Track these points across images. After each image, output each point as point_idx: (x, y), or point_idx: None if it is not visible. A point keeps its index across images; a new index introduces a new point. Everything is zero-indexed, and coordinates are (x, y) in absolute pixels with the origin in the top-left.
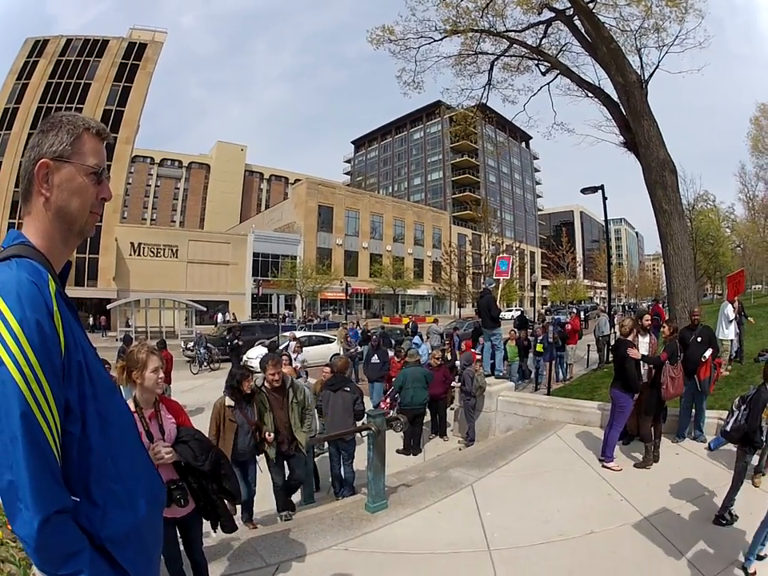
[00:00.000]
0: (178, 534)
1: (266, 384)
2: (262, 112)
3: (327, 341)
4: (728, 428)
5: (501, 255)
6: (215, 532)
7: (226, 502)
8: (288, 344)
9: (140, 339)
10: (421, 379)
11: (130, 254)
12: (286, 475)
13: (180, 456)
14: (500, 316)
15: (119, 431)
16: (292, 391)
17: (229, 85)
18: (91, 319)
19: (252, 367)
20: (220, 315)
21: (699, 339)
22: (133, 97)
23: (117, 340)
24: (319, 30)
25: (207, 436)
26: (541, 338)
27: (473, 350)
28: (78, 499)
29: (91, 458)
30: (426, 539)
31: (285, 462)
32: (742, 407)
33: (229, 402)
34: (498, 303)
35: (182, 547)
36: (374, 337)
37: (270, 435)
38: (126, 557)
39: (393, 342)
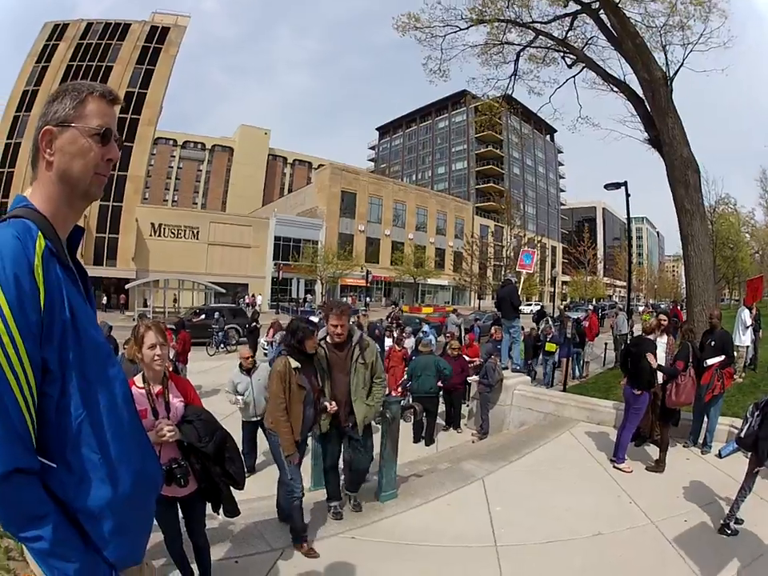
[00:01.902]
0: (180, 515)
1: (326, 339)
2: (285, 97)
3: None
4: (742, 434)
5: (525, 249)
6: (217, 515)
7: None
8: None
9: (147, 317)
10: (431, 367)
11: (150, 235)
12: (342, 456)
13: (183, 436)
14: (520, 309)
15: (108, 401)
16: (359, 349)
17: (252, 69)
18: (105, 298)
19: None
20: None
21: (713, 344)
22: (155, 79)
23: (133, 320)
24: (344, 15)
25: (273, 410)
26: (551, 336)
27: (475, 343)
28: (55, 465)
29: (69, 423)
30: (434, 531)
31: (342, 441)
32: (756, 414)
33: (294, 363)
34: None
35: (184, 529)
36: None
37: (331, 405)
38: (100, 533)
39: (380, 331)
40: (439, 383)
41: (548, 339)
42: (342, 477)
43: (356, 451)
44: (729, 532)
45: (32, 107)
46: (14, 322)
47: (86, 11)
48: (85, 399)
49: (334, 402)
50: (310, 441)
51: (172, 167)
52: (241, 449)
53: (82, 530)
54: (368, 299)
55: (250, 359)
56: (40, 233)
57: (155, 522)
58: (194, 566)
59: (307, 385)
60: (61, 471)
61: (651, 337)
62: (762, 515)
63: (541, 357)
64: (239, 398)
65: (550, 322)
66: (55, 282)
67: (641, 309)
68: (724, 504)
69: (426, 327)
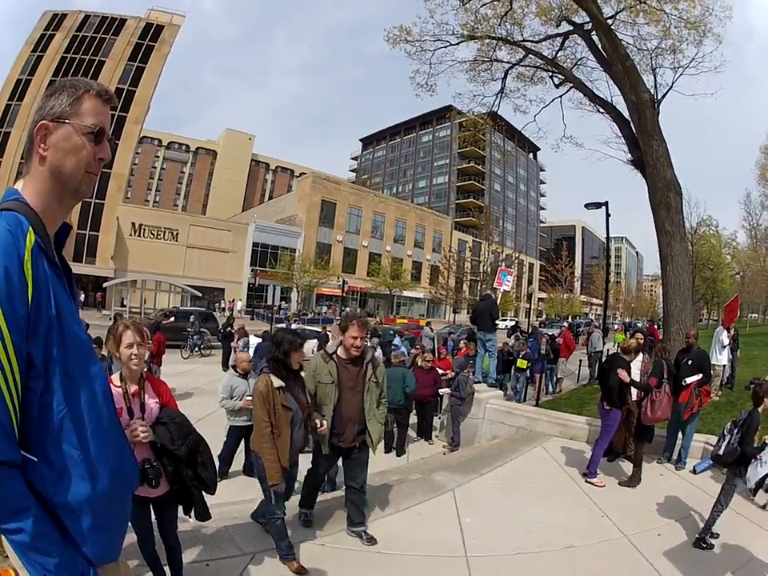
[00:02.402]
0: (153, 516)
1: (338, 352)
2: (273, 103)
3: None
4: (720, 452)
5: (503, 268)
6: (189, 517)
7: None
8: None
9: (125, 317)
10: (398, 379)
11: (131, 234)
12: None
13: (156, 437)
14: (497, 323)
15: (88, 398)
16: (371, 367)
17: (242, 73)
18: (83, 296)
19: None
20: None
21: (690, 362)
22: (146, 77)
23: (109, 318)
24: (337, 24)
25: (258, 436)
26: (523, 353)
27: (447, 356)
28: (36, 459)
29: (51, 419)
30: (405, 540)
31: (337, 459)
32: (734, 431)
33: (277, 382)
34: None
35: (156, 530)
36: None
37: (321, 424)
38: (79, 529)
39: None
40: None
41: (520, 356)
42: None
43: (355, 469)
44: (704, 546)
45: (24, 97)
46: (1, 314)
47: (87, 2)
48: (67, 395)
49: (324, 422)
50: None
51: (155, 167)
52: (219, 453)
53: (62, 525)
54: (345, 309)
55: (248, 364)
56: (31, 227)
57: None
58: (167, 569)
59: (293, 404)
60: (41, 466)
61: (629, 357)
62: (736, 529)
63: (512, 372)
64: (238, 402)
65: (521, 338)
66: (43, 278)
67: (615, 327)
68: (698, 518)
69: (396, 340)
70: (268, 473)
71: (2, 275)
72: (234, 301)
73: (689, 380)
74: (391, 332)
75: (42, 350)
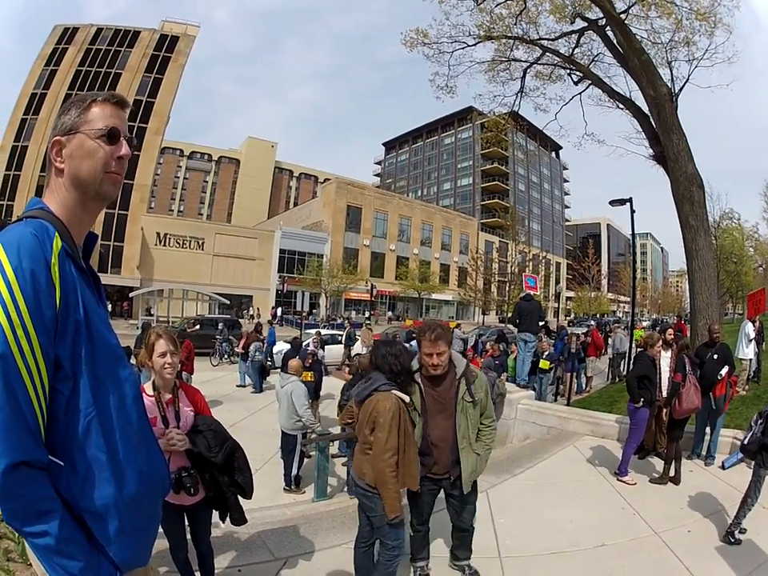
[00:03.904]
0: (186, 522)
1: (420, 371)
2: (292, 110)
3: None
4: (746, 442)
5: (526, 273)
6: (224, 523)
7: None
8: (310, 341)
9: (158, 325)
10: None
11: (156, 244)
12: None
13: (193, 445)
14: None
15: (117, 402)
16: (464, 383)
17: (260, 82)
18: (109, 305)
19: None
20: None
21: (716, 357)
22: (163, 88)
23: (137, 328)
24: (353, 30)
25: (382, 465)
26: (546, 353)
27: (476, 357)
28: (62, 463)
29: (78, 421)
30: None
31: (436, 495)
32: (759, 422)
33: (405, 396)
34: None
35: (189, 536)
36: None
37: None
38: (105, 533)
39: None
40: None
41: (543, 356)
42: (346, 487)
43: (456, 509)
44: (732, 541)
45: (39, 111)
46: (29, 315)
47: (95, 15)
48: (95, 398)
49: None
50: (314, 453)
51: (178, 177)
52: (289, 472)
53: (87, 529)
54: (371, 312)
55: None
56: (57, 233)
57: (161, 530)
58: (198, 574)
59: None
60: (67, 469)
61: (652, 351)
62: (765, 524)
63: (536, 374)
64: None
65: (544, 339)
66: (70, 282)
67: (644, 324)
68: (727, 514)
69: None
70: (390, 505)
71: (29, 278)
72: (258, 309)
73: (723, 372)
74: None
75: (70, 353)
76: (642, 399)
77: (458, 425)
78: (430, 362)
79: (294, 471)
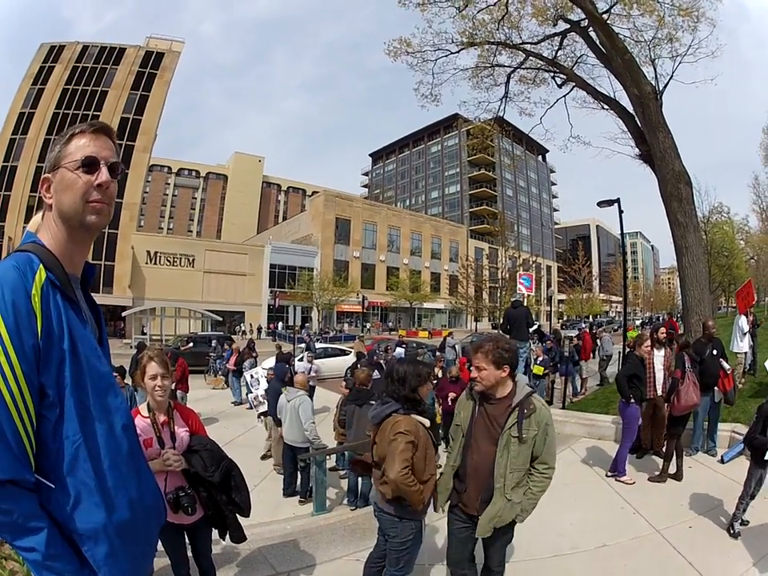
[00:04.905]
0: (187, 541)
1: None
2: (280, 123)
3: (343, 353)
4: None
5: (522, 272)
6: (224, 540)
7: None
8: (302, 355)
9: (152, 345)
10: None
11: (146, 263)
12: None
13: (189, 465)
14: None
15: (106, 430)
16: (516, 414)
17: (247, 95)
18: None
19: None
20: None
21: (715, 352)
22: (150, 105)
23: (131, 347)
24: (338, 40)
25: (406, 483)
26: (540, 359)
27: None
28: (53, 485)
29: (66, 447)
30: (439, 550)
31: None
32: (755, 416)
33: (425, 421)
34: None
35: (190, 553)
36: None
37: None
38: (94, 555)
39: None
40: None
41: (536, 362)
42: (345, 499)
43: (489, 550)
44: (731, 533)
45: (28, 131)
46: (10, 343)
47: (83, 31)
48: (83, 425)
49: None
50: (313, 470)
51: (167, 194)
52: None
53: (79, 550)
54: (366, 324)
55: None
56: (42, 265)
57: (162, 547)
58: None
59: (432, 438)
60: (57, 491)
61: (640, 350)
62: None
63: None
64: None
65: (537, 343)
66: (54, 311)
67: (638, 323)
68: (728, 508)
69: (398, 350)
70: (415, 503)
71: (11, 308)
72: (251, 325)
73: (726, 366)
74: (414, 344)
75: (55, 381)
76: (632, 397)
77: (498, 461)
78: (470, 374)
79: (308, 483)
